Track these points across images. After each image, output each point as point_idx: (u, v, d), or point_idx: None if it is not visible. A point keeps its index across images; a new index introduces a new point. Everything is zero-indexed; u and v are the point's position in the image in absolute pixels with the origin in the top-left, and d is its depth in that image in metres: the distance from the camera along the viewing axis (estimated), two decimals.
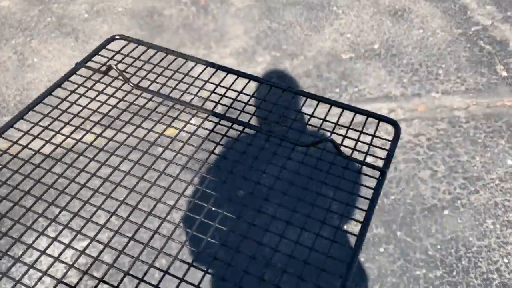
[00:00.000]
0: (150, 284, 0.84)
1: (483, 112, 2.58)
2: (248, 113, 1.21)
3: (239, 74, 1.28)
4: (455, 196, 2.16)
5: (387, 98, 2.71)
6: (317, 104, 1.21)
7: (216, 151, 2.56)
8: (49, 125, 1.17)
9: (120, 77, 1.25)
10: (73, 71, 1.25)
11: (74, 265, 1.98)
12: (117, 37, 1.36)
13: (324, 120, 1.20)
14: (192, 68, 1.28)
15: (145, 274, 0.87)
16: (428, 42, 3.08)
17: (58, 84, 1.21)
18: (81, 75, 1.24)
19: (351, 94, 2.76)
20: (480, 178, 2.23)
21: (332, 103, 1.20)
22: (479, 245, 1.98)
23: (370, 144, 1.08)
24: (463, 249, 1.96)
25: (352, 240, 1.98)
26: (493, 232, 2.02)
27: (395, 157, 2.35)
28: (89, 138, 2.39)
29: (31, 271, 1.99)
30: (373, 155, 1.10)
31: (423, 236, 2.01)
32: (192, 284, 0.82)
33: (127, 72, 1.27)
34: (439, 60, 2.94)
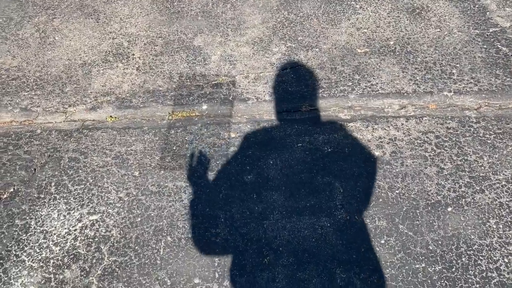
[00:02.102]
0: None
1: (494, 114, 2.58)
2: None
3: None
4: (460, 194, 2.18)
5: (399, 94, 2.72)
6: None
7: None
8: None
9: None
10: None
11: (83, 237, 2.05)
12: None
13: None
14: None
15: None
16: (444, 41, 3.08)
17: None
18: None
19: (363, 88, 2.77)
20: (486, 178, 2.24)
21: None
22: (480, 244, 1.99)
23: None
24: (464, 246, 1.98)
25: None
26: (496, 231, 2.04)
27: (402, 152, 2.37)
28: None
29: (42, 240, 2.07)
30: None
31: (425, 231, 2.04)
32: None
33: None
34: (454, 59, 2.94)
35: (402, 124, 2.54)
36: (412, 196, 2.18)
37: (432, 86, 2.77)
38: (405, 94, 2.73)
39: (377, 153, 2.38)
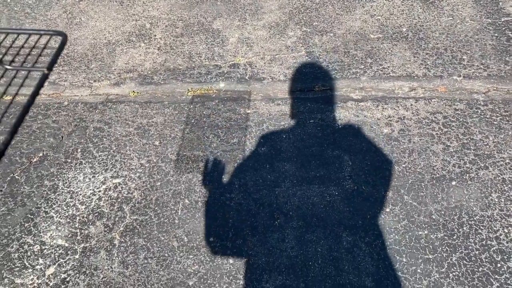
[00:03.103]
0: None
1: (502, 98, 2.66)
2: None
3: None
4: (464, 170, 2.27)
5: (409, 78, 2.82)
6: None
7: None
8: None
9: None
10: None
11: (106, 198, 2.20)
12: None
13: None
14: None
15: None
16: (456, 29, 3.16)
17: None
18: None
19: (375, 71, 2.88)
20: (491, 156, 2.33)
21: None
22: (482, 215, 2.09)
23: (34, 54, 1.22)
24: (466, 216, 2.08)
25: None
26: (497, 205, 2.13)
27: (410, 130, 2.48)
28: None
29: (69, 199, 2.23)
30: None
31: (428, 202, 2.14)
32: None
33: None
34: (465, 46, 3.02)
35: (411, 104, 2.64)
36: (418, 170, 2.28)
37: (442, 70, 2.86)
38: (416, 77, 2.82)
39: (385, 130, 2.49)
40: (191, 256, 1.98)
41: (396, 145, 2.40)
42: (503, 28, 3.14)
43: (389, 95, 2.71)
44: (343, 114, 2.60)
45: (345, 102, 2.68)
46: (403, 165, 2.30)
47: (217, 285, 1.88)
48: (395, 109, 2.61)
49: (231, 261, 1.95)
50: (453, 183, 2.22)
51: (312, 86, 2.79)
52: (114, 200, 2.21)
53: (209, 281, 1.89)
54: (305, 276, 1.89)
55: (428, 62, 2.92)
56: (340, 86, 2.79)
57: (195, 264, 1.95)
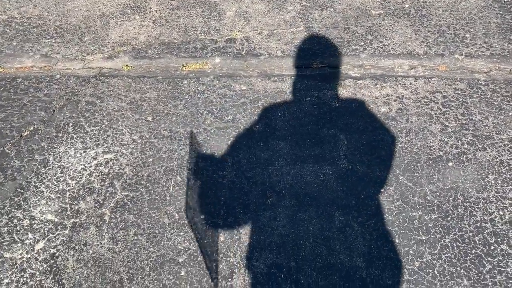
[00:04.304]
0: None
1: (504, 78, 2.60)
2: None
3: None
4: (461, 150, 2.23)
5: (409, 55, 2.75)
6: None
7: None
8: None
9: None
10: None
11: (97, 173, 2.17)
12: None
13: None
14: None
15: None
16: (460, 6, 3.07)
17: None
18: None
19: (375, 48, 2.80)
20: (489, 137, 2.29)
21: None
22: (477, 197, 2.06)
23: None
24: (461, 198, 2.05)
25: None
26: (494, 187, 2.10)
27: (408, 109, 2.42)
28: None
29: (59, 174, 2.20)
30: None
31: (424, 183, 2.11)
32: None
33: None
34: (468, 24, 2.94)
35: (411, 83, 2.58)
36: (415, 150, 2.24)
37: (443, 49, 2.78)
38: (416, 55, 2.75)
39: (383, 109, 2.44)
40: (181, 233, 1.96)
41: (394, 125, 2.36)
42: (509, 6, 3.05)
43: (388, 73, 2.65)
44: (341, 92, 2.54)
45: (343, 79, 2.62)
46: (399, 145, 2.26)
47: (207, 262, 1.86)
48: (394, 87, 2.55)
49: (222, 238, 1.93)
50: (450, 164, 2.18)
51: (310, 63, 2.73)
52: (105, 176, 2.18)
53: (199, 258, 1.88)
54: (296, 255, 1.87)
55: (430, 40, 2.85)
56: (339, 63, 2.72)
57: (185, 241, 1.93)
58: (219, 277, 1.82)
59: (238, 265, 1.85)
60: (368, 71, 2.67)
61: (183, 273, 1.84)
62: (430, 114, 2.40)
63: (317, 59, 2.75)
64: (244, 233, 1.95)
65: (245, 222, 1.98)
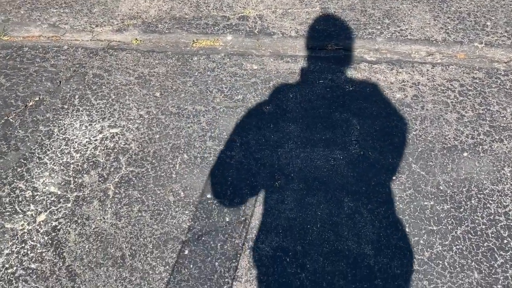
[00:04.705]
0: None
1: None
2: None
3: None
4: (477, 141, 2.16)
5: (427, 42, 2.66)
6: None
7: None
8: None
9: None
10: None
11: (103, 147, 2.12)
12: None
13: None
14: None
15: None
16: None
17: None
18: None
19: (392, 32, 2.72)
20: (507, 128, 2.22)
21: None
22: (492, 189, 2.00)
23: None
24: (475, 190, 1.99)
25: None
26: (509, 179, 2.03)
27: (424, 96, 2.35)
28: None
29: (64, 146, 2.15)
30: None
31: (437, 172, 2.04)
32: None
33: None
34: (489, 12, 2.84)
35: (428, 70, 2.50)
36: (429, 138, 2.17)
37: (463, 36, 2.69)
38: (434, 42, 2.66)
39: (398, 95, 2.36)
40: (186, 212, 1.92)
41: (408, 111, 2.29)
42: None
43: (405, 58, 2.57)
44: (355, 76, 2.47)
45: (358, 63, 2.54)
46: (413, 133, 2.19)
47: (211, 242, 1.82)
48: (410, 73, 2.47)
49: (227, 219, 1.89)
50: (465, 154, 2.11)
51: (324, 44, 2.65)
52: (110, 150, 2.13)
53: (203, 238, 1.83)
54: (303, 239, 1.82)
55: (449, 27, 2.75)
56: (354, 46, 2.64)
57: (190, 220, 1.89)
58: (223, 257, 1.78)
59: (243, 246, 1.81)
60: (384, 55, 2.59)
61: (186, 252, 1.79)
62: (447, 102, 2.33)
63: (332, 41, 2.66)
64: (250, 215, 1.90)
65: (252, 204, 1.93)
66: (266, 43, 2.66)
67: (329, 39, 2.67)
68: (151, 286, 1.70)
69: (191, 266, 1.76)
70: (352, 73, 2.48)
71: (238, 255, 1.78)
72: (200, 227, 1.87)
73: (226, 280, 1.71)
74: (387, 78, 2.45)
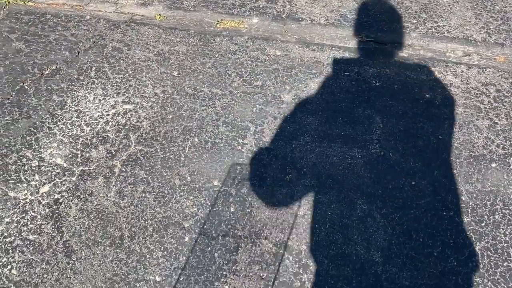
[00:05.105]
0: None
1: None
2: None
3: None
4: (508, 152, 2.01)
5: (465, 41, 2.48)
6: None
7: None
8: None
9: None
10: None
11: (114, 123, 2.07)
12: None
13: None
14: None
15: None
16: None
17: None
18: None
19: (428, 28, 2.55)
20: None
21: None
22: None
23: None
24: (500, 204, 1.85)
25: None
26: None
27: (455, 99, 2.19)
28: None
29: (75, 118, 2.11)
30: None
31: (461, 181, 1.91)
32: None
33: None
34: None
35: (462, 71, 2.33)
36: (456, 144, 2.03)
37: (505, 38, 2.50)
38: (473, 41, 2.49)
39: (428, 95, 2.22)
40: (191, 197, 1.85)
41: (437, 114, 2.14)
42: None
43: (439, 57, 2.41)
44: (384, 71, 2.33)
45: (388, 58, 2.39)
46: (439, 137, 2.05)
47: (213, 232, 1.75)
48: (442, 73, 2.31)
49: (232, 209, 1.81)
50: (493, 165, 1.96)
51: (354, 35, 2.51)
52: (121, 127, 2.07)
53: (205, 226, 1.76)
54: (309, 238, 1.73)
55: (491, 27, 2.56)
56: (386, 40, 2.49)
57: (194, 206, 1.82)
58: (223, 249, 1.70)
59: (246, 239, 1.73)
60: (417, 52, 2.43)
61: (186, 239, 1.73)
62: (479, 107, 2.17)
63: (363, 32, 2.52)
64: (256, 207, 1.81)
65: (259, 196, 1.85)
66: (293, 29, 2.54)
67: (360, 30, 2.53)
68: (146, 270, 1.65)
69: (190, 254, 1.69)
70: (381, 67, 2.34)
71: (239, 248, 1.70)
72: (203, 215, 1.80)
73: (224, 272, 1.65)
74: (418, 76, 2.30)
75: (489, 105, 2.18)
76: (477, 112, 2.15)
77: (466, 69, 2.34)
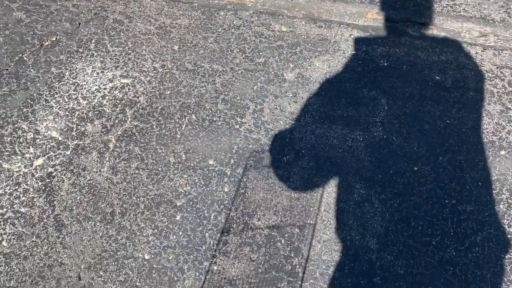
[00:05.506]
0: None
1: None
2: None
3: None
4: None
5: (483, 21, 2.35)
6: None
7: None
8: None
9: None
10: None
11: (111, 97, 2.03)
12: None
13: None
14: None
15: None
16: None
17: None
18: None
19: (443, 6, 2.42)
20: None
21: None
22: None
23: None
24: (507, 194, 1.76)
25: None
26: None
27: (467, 82, 2.08)
28: None
29: (72, 91, 2.07)
30: None
31: (466, 169, 1.82)
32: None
33: None
34: None
35: (477, 53, 2.21)
36: (464, 130, 1.93)
37: None
38: (491, 21, 2.35)
39: (437, 77, 2.11)
40: (185, 176, 1.81)
41: (446, 97, 2.04)
42: None
43: (453, 37, 2.28)
44: (393, 51, 2.22)
45: (398, 36, 2.28)
46: (447, 121, 1.96)
47: (205, 212, 1.71)
48: (455, 54, 2.20)
49: (226, 189, 1.77)
50: (502, 152, 1.87)
51: (364, 12, 2.39)
52: (118, 101, 2.03)
53: (198, 206, 1.73)
54: (303, 222, 1.68)
55: (511, 6, 2.42)
56: (397, 17, 2.37)
57: (187, 185, 1.78)
58: (215, 229, 1.67)
59: (238, 220, 1.69)
60: (430, 31, 2.31)
61: (178, 218, 1.70)
62: (492, 91, 2.06)
63: (373, 8, 2.40)
64: (250, 188, 1.77)
65: (255, 177, 1.80)
66: (301, 4, 2.44)
67: (371, 6, 2.41)
68: (135, 247, 1.63)
69: (180, 233, 1.66)
70: (390, 47, 2.24)
71: (231, 229, 1.67)
72: (196, 194, 1.76)
73: (213, 253, 1.61)
74: (429, 56, 2.19)
75: (503, 89, 2.06)
76: (490, 96, 2.04)
77: (481, 51, 2.22)
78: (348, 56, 2.20)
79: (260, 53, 2.21)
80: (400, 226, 1.68)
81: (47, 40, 2.27)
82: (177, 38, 2.27)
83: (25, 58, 2.20)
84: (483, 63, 2.17)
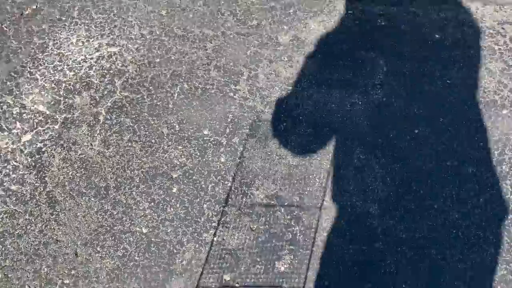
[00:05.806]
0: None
1: None
2: None
3: None
4: None
5: None
6: None
7: None
8: None
9: None
10: None
11: (98, 67, 1.94)
12: None
13: None
14: None
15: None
16: None
17: None
18: None
19: None
20: None
21: None
22: None
23: None
24: (509, 154, 1.73)
25: None
26: None
27: (467, 39, 2.01)
28: None
29: (57, 62, 1.98)
30: None
31: (468, 129, 1.78)
32: None
33: None
34: None
35: (477, 8, 2.12)
36: (465, 90, 1.88)
37: None
38: None
39: (437, 36, 2.04)
40: (180, 147, 1.75)
41: (446, 56, 1.97)
42: None
43: None
44: (391, 10, 2.13)
45: None
46: (448, 81, 1.90)
47: (202, 183, 1.67)
48: (454, 10, 2.11)
49: (222, 159, 1.72)
50: (504, 111, 1.82)
51: None
52: (106, 71, 1.95)
53: (194, 177, 1.68)
54: (302, 189, 1.65)
55: None
56: None
57: (182, 157, 1.73)
58: (212, 200, 1.63)
59: (236, 190, 1.65)
60: None
61: (174, 190, 1.66)
62: (493, 49, 1.99)
63: None
64: (247, 157, 1.72)
65: (251, 146, 1.75)
66: None
67: None
68: (132, 222, 1.59)
69: (178, 205, 1.63)
70: (387, 5, 2.14)
71: (229, 200, 1.63)
72: (192, 165, 1.71)
73: (213, 224, 1.58)
74: (428, 14, 2.11)
75: (505, 46, 2.00)
76: (491, 54, 1.98)
77: (482, 6, 2.13)
78: (345, 16, 2.11)
79: (252, 16, 2.11)
80: (402, 191, 1.65)
81: (27, 9, 2.15)
82: (165, 2, 2.16)
83: (5, 28, 2.09)
84: (484, 19, 2.09)
